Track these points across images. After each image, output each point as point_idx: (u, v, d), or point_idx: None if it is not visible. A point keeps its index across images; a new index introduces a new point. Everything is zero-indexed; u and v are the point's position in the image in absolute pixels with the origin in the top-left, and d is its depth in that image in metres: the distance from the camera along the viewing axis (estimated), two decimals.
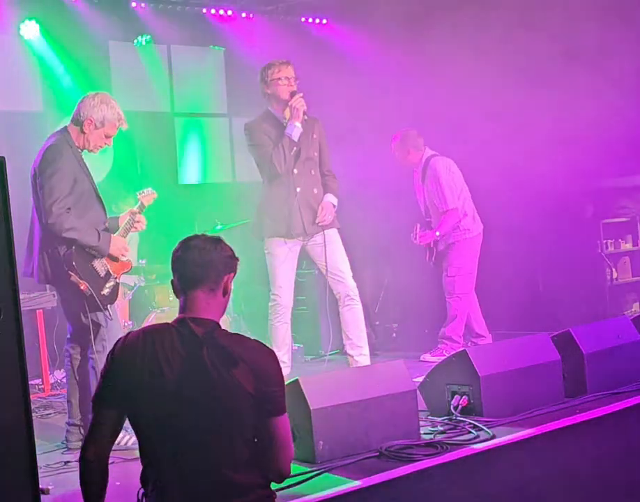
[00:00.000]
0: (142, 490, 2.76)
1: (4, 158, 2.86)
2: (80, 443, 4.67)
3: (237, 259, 2.92)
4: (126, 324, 6.82)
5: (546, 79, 7.28)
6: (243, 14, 8.86)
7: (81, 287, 4.61)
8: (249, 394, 2.66)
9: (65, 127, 4.85)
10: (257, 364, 2.70)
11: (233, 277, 2.89)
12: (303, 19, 9.20)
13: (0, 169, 2.84)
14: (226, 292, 2.85)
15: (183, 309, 2.81)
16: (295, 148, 5.68)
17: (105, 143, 4.87)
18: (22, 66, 7.66)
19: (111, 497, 3.57)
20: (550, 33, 6.94)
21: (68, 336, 4.88)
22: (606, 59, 6.89)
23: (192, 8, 8.53)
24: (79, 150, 4.81)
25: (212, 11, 8.63)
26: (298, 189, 5.73)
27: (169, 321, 2.82)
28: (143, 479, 2.74)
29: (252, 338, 2.88)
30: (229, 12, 8.74)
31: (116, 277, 4.84)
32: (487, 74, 7.09)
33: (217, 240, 2.89)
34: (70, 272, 4.60)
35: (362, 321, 5.86)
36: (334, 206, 5.84)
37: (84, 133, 4.77)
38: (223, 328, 2.81)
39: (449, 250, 6.85)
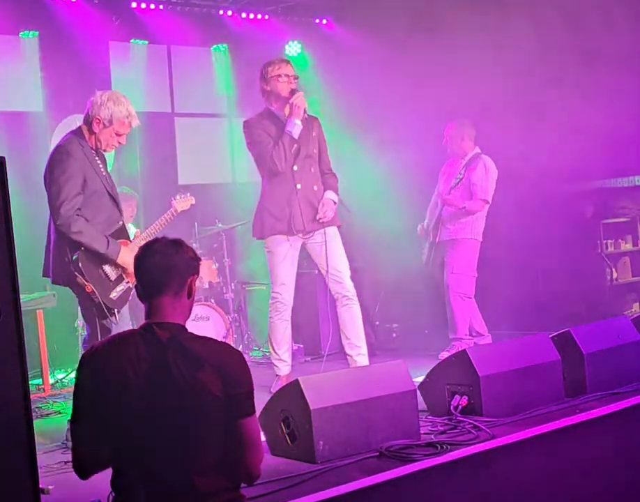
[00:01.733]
0: (112, 494, 2.75)
1: (4, 158, 2.86)
2: None
3: (199, 260, 2.89)
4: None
5: (548, 81, 7.28)
6: (243, 15, 8.86)
7: (87, 289, 4.60)
8: (215, 397, 2.65)
9: (80, 126, 4.82)
10: (223, 367, 2.68)
11: (197, 278, 2.86)
12: (303, 20, 9.20)
13: (0, 169, 2.84)
14: (190, 294, 2.83)
15: (148, 315, 2.78)
16: (295, 145, 5.68)
17: (118, 142, 4.82)
18: (22, 66, 7.66)
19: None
20: (557, 33, 6.93)
21: (85, 336, 4.90)
22: (611, 61, 6.89)
23: (192, 8, 8.53)
24: (92, 150, 4.77)
25: (213, 11, 8.63)
26: (299, 186, 5.71)
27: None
28: (114, 484, 2.73)
29: (219, 340, 2.87)
30: (229, 13, 8.74)
31: (128, 282, 4.80)
32: (489, 75, 7.08)
33: (179, 243, 2.85)
34: (76, 274, 4.58)
35: (360, 320, 5.86)
36: (334, 203, 5.83)
37: (94, 133, 4.75)
38: (191, 329, 2.79)
39: (455, 247, 6.86)
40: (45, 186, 4.70)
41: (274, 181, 5.75)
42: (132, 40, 8.28)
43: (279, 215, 5.72)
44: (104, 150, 4.82)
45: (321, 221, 5.74)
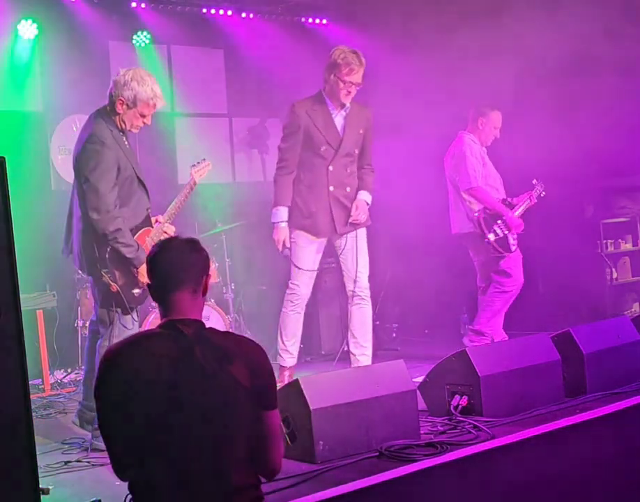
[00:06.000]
0: (130, 496, 2.71)
1: (4, 158, 2.86)
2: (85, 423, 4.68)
3: (209, 260, 2.91)
4: None
5: (549, 82, 7.28)
6: (243, 15, 8.85)
7: (112, 289, 4.53)
8: (246, 389, 2.66)
9: (105, 106, 4.65)
10: (251, 359, 2.71)
11: (209, 278, 2.88)
12: (303, 19, 9.20)
13: (0, 169, 2.84)
14: (205, 292, 2.85)
15: (166, 312, 2.78)
16: (339, 142, 5.60)
17: (143, 123, 4.66)
18: (22, 66, 7.66)
19: (111, 497, 3.59)
20: (561, 36, 6.94)
21: (93, 318, 4.83)
22: (609, 64, 6.91)
23: (192, 8, 8.52)
24: (120, 131, 4.63)
25: (212, 11, 8.63)
26: (331, 188, 5.62)
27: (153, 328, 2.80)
28: (135, 485, 2.68)
29: (239, 334, 2.88)
30: (229, 12, 8.74)
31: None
32: (491, 74, 7.09)
33: (195, 241, 2.87)
34: (103, 273, 4.52)
35: (370, 321, 5.82)
36: (367, 204, 5.74)
37: (118, 114, 4.59)
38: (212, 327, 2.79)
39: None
40: (77, 175, 4.59)
41: (307, 178, 5.66)
42: (132, 40, 8.27)
43: (307, 213, 5.64)
44: (130, 131, 4.68)
45: (352, 223, 5.66)
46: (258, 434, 2.72)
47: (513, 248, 6.50)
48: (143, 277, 4.56)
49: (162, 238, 4.78)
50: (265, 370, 2.74)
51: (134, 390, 2.61)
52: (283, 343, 5.81)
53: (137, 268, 4.58)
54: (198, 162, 5.21)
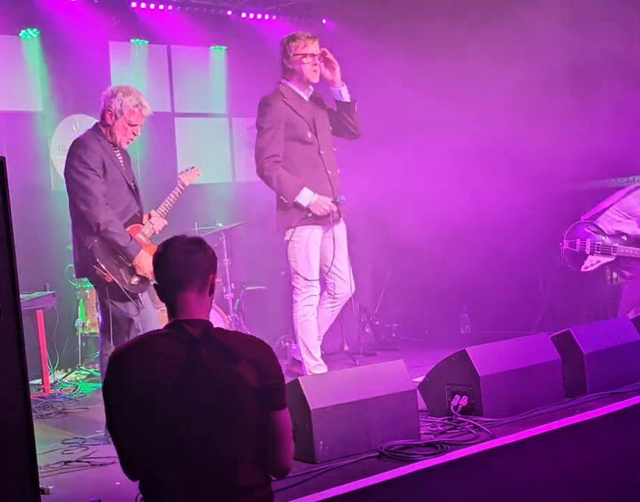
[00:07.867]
0: (141, 496, 2.72)
1: (4, 158, 2.86)
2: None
3: (216, 258, 2.90)
4: None
5: (551, 83, 7.28)
6: (243, 15, 8.87)
7: (107, 279, 4.66)
8: (253, 389, 2.65)
9: (96, 123, 4.92)
10: (258, 359, 2.70)
11: (216, 276, 2.87)
12: (303, 20, 9.21)
13: (0, 169, 2.84)
14: (212, 291, 2.83)
15: (173, 312, 2.77)
16: (318, 126, 5.43)
17: (133, 133, 4.88)
18: (22, 66, 7.66)
19: (111, 497, 3.59)
20: (557, 40, 6.94)
21: (100, 329, 4.96)
22: (610, 66, 6.91)
23: (192, 8, 8.53)
24: (111, 144, 4.85)
25: (213, 11, 8.63)
26: (329, 172, 5.45)
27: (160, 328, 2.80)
28: (145, 486, 2.69)
29: (248, 334, 2.87)
30: (229, 12, 8.75)
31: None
32: (492, 74, 7.08)
33: (200, 240, 2.86)
34: (95, 267, 4.66)
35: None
36: None
37: (108, 126, 4.83)
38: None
39: None
40: (67, 179, 4.81)
41: (304, 168, 5.39)
42: (132, 40, 8.28)
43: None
44: (121, 144, 4.88)
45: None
46: (268, 433, 2.71)
47: None
48: (140, 268, 4.74)
49: (149, 229, 4.96)
50: (274, 369, 2.73)
51: (141, 392, 2.61)
52: (313, 357, 5.34)
53: (134, 258, 4.72)
54: (186, 170, 5.43)
